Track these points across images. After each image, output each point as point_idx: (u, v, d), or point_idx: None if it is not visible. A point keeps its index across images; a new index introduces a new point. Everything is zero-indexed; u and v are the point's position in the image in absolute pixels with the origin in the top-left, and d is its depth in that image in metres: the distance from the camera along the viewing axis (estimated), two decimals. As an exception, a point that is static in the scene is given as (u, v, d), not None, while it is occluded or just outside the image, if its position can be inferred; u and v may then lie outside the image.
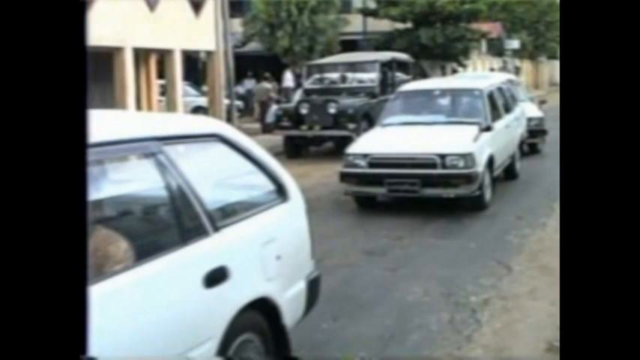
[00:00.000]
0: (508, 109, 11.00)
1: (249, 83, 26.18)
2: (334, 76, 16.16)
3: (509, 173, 11.05)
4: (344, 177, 9.13)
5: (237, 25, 27.59)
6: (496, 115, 10.01)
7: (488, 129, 9.09)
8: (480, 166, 8.58)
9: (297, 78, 18.89)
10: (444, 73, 31.25)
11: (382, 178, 8.73)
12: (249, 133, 19.23)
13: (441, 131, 9.30)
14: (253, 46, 29.68)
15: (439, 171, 8.48)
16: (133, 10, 13.86)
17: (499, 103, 10.51)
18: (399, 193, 8.88)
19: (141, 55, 17.50)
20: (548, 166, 12.48)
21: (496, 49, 40.87)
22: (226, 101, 19.07)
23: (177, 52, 16.17)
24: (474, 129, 8.91)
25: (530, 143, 13.95)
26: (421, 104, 10.37)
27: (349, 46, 26.14)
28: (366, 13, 30.25)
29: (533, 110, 14.34)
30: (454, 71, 30.76)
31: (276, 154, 15.61)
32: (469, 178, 8.45)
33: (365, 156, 8.90)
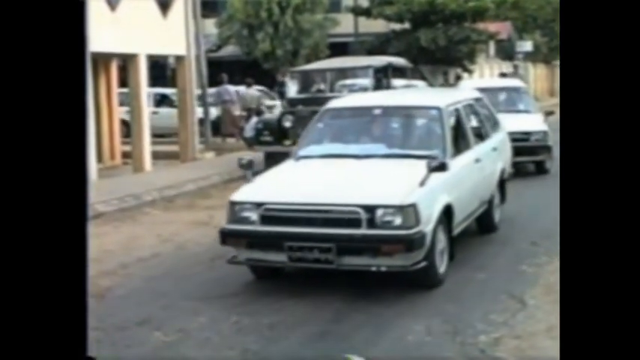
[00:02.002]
0: (483, 135, 9.12)
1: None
2: (322, 83, 16.21)
3: (484, 225, 9.07)
4: (226, 237, 7.03)
5: (210, 26, 27.73)
6: (463, 145, 8.19)
7: (442, 167, 6.95)
8: (428, 224, 6.64)
9: (280, 86, 18.95)
10: (446, 80, 31.45)
11: (281, 241, 6.71)
12: (223, 149, 19.32)
13: (375, 169, 7.45)
14: (230, 50, 29.83)
15: (364, 231, 6.50)
16: (91, 10, 13.86)
17: (467, 127, 8.59)
18: (304, 263, 6.80)
19: (100, 61, 17.50)
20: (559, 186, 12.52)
21: (506, 51, 41.21)
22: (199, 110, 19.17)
23: (142, 57, 16.19)
24: (424, 166, 6.85)
25: (537, 161, 14.17)
26: (355, 128, 8.54)
27: (339, 49, 26.30)
28: (358, 12, 30.45)
29: (536, 123, 14.47)
30: (458, 77, 30.98)
31: (256, 173, 15.65)
32: (409, 243, 6.46)
33: (258, 206, 6.87)
